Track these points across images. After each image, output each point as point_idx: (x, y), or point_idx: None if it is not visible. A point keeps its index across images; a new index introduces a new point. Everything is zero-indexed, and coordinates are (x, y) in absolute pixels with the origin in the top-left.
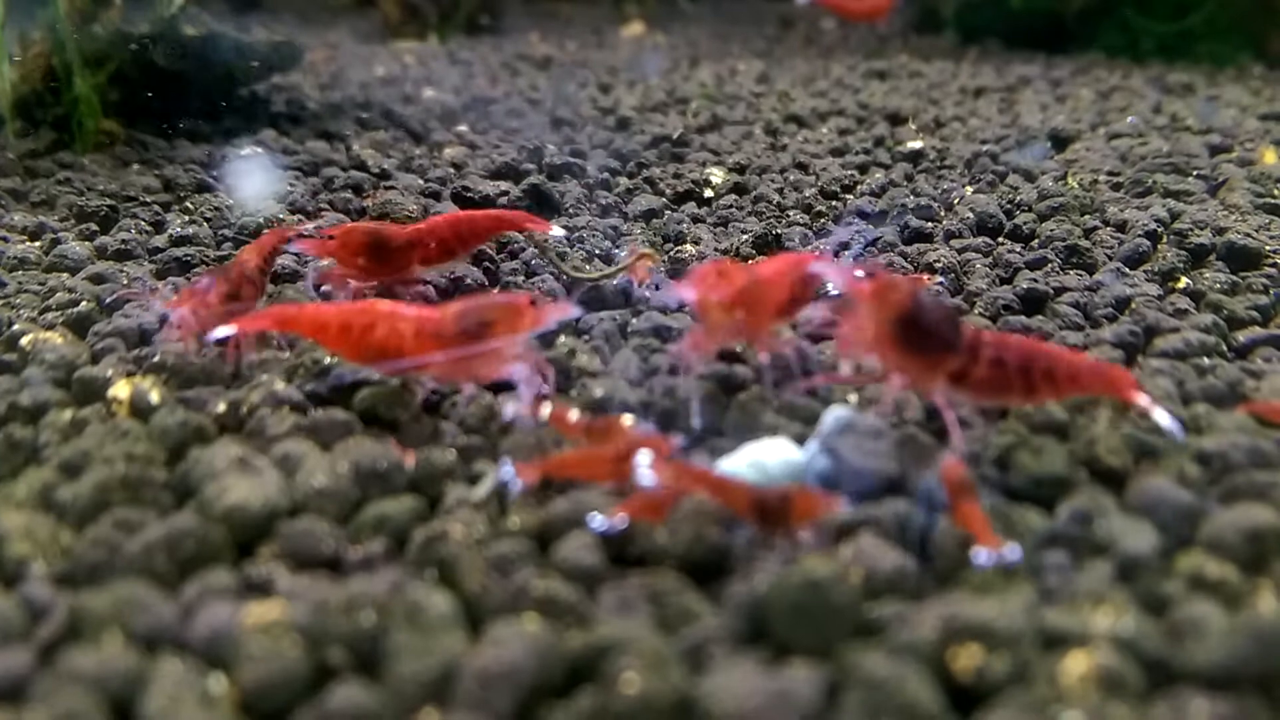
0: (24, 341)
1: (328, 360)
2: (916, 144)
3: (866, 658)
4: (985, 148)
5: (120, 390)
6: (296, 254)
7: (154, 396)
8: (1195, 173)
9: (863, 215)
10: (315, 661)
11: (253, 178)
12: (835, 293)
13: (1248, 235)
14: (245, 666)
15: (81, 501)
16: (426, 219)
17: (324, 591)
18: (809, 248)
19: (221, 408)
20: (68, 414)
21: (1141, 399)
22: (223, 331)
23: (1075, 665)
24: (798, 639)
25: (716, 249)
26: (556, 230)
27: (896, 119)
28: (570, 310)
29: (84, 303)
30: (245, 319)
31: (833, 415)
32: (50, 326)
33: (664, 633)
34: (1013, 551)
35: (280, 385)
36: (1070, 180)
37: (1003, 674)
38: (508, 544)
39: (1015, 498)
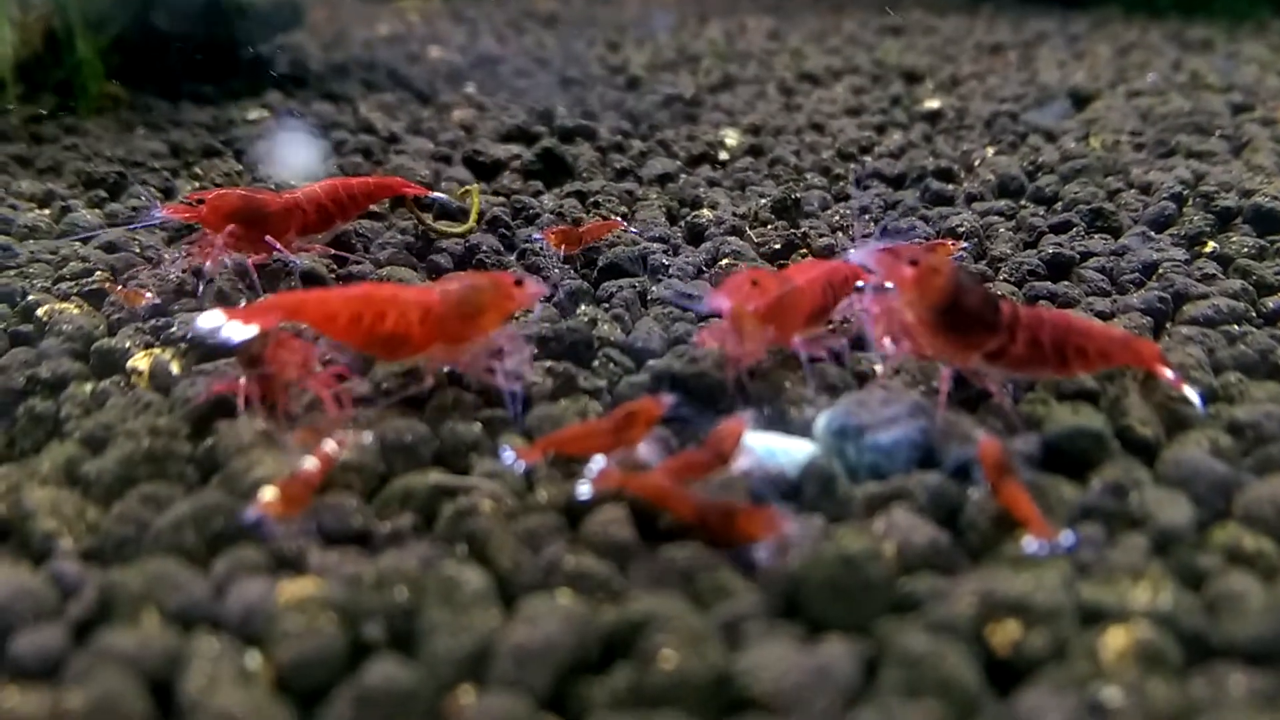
0: (40, 313)
1: None
2: (934, 104)
3: (905, 634)
4: (1004, 107)
5: (140, 362)
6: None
7: (174, 368)
8: (1218, 132)
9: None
10: (351, 637)
11: (260, 143)
12: (868, 286)
13: (1274, 198)
14: (281, 644)
15: (107, 476)
16: (303, 187)
17: (356, 566)
18: (827, 212)
19: (243, 381)
20: (88, 387)
21: (1168, 372)
22: (239, 331)
23: (1115, 641)
24: (833, 615)
25: (734, 213)
26: (436, 195)
27: (913, 77)
28: (543, 289)
29: (98, 273)
30: (249, 311)
31: (825, 417)
32: (65, 297)
33: (698, 608)
34: (1068, 539)
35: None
36: (1092, 141)
37: (1041, 649)
38: (536, 519)
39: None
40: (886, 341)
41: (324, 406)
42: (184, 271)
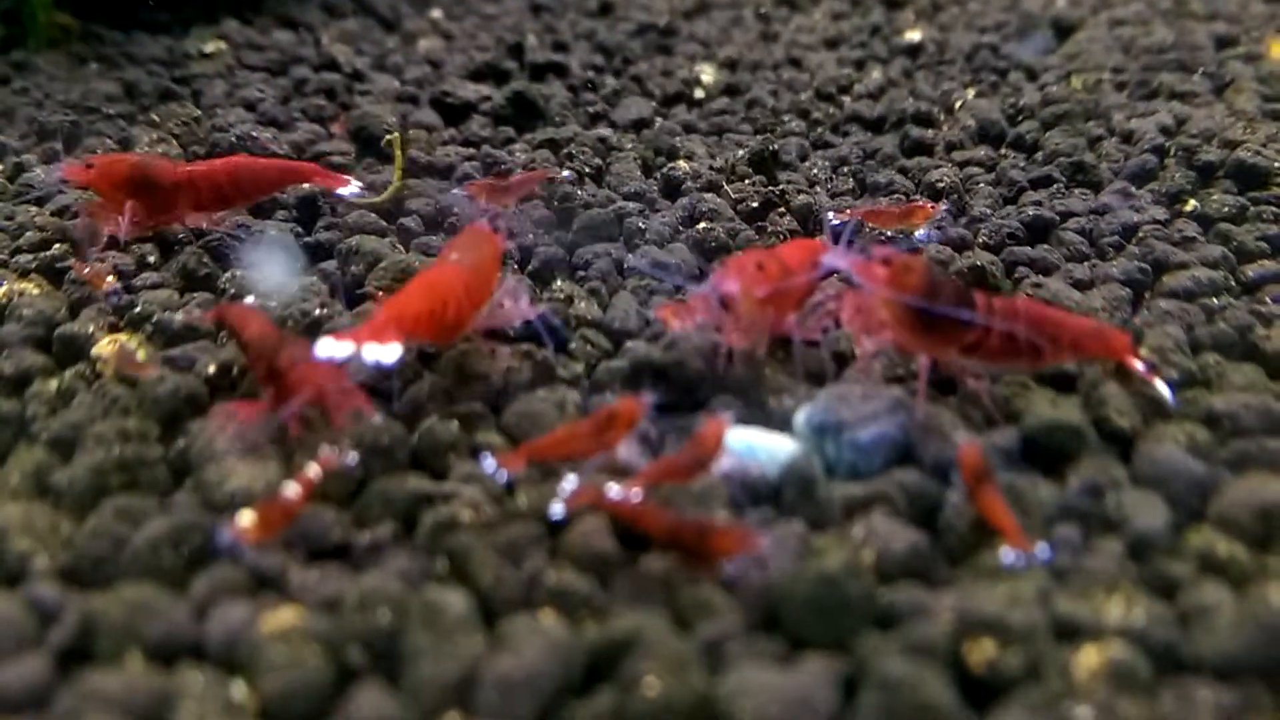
0: (0, 293)
1: (316, 312)
2: (915, 35)
3: (884, 657)
4: (985, 38)
5: (105, 349)
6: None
7: (140, 356)
8: (1201, 69)
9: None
10: (335, 665)
11: (218, 82)
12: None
13: (1257, 152)
14: (266, 676)
15: (78, 486)
16: (209, 160)
17: (337, 584)
18: (805, 163)
19: (212, 369)
20: (53, 383)
21: (1138, 364)
22: (385, 353)
23: (1088, 660)
24: (813, 632)
25: (711, 166)
26: (351, 188)
27: (893, 3)
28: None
29: (56, 245)
30: (374, 329)
31: (805, 412)
32: (25, 273)
33: (679, 628)
34: (1043, 552)
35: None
36: (1074, 80)
37: (1016, 668)
38: (517, 528)
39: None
40: (865, 339)
41: (331, 423)
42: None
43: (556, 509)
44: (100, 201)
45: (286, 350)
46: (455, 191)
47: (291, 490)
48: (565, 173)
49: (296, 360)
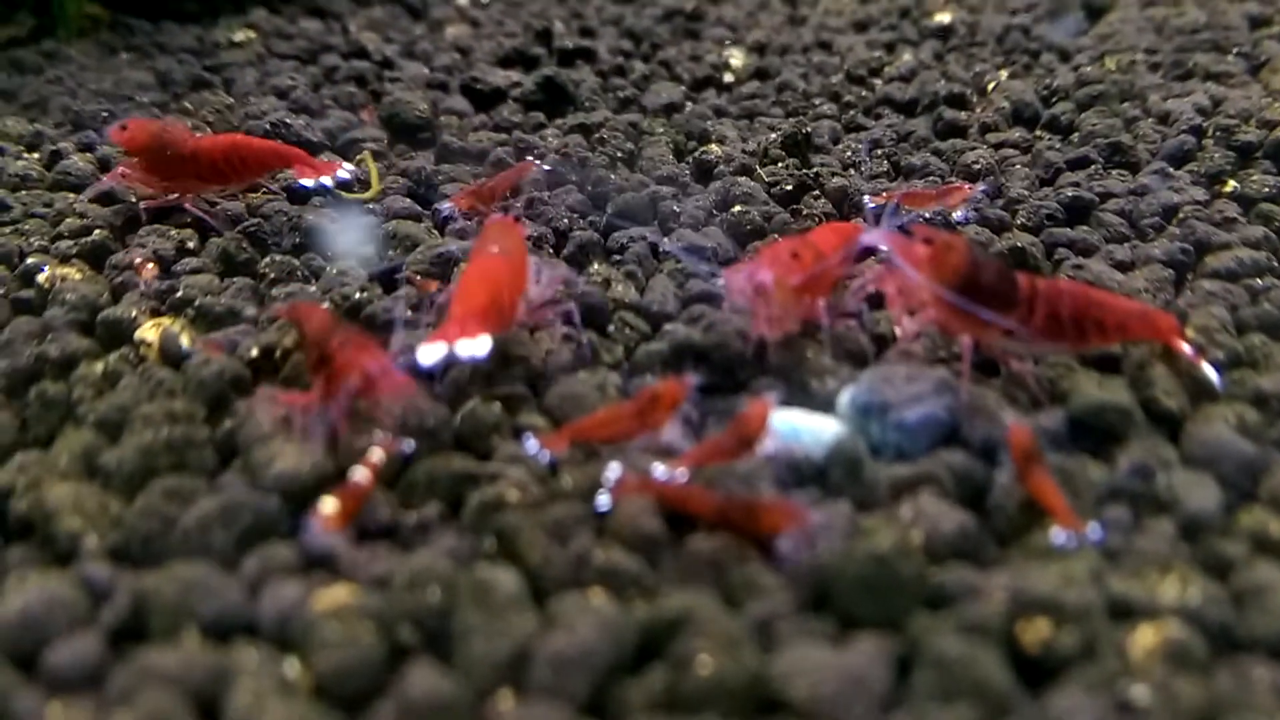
0: (42, 278)
1: (358, 295)
2: (945, 17)
3: (937, 636)
4: (1016, 20)
5: (148, 333)
6: None
7: (184, 340)
8: (1235, 49)
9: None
10: (388, 643)
11: (249, 70)
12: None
13: None
14: (320, 653)
15: (127, 467)
16: (214, 136)
17: (387, 564)
18: (839, 145)
19: (255, 352)
20: (99, 366)
21: (1186, 347)
22: (476, 347)
23: (1144, 639)
24: (864, 612)
25: (744, 150)
26: (331, 179)
27: None
28: None
29: (97, 230)
30: (460, 324)
31: (849, 393)
32: (66, 259)
33: (729, 607)
34: (1094, 532)
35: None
36: (1107, 61)
37: (1071, 648)
38: (563, 508)
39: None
40: (906, 320)
41: (379, 414)
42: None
43: (603, 501)
44: (132, 163)
45: (336, 337)
46: (443, 205)
47: (361, 475)
48: (544, 165)
49: (344, 346)
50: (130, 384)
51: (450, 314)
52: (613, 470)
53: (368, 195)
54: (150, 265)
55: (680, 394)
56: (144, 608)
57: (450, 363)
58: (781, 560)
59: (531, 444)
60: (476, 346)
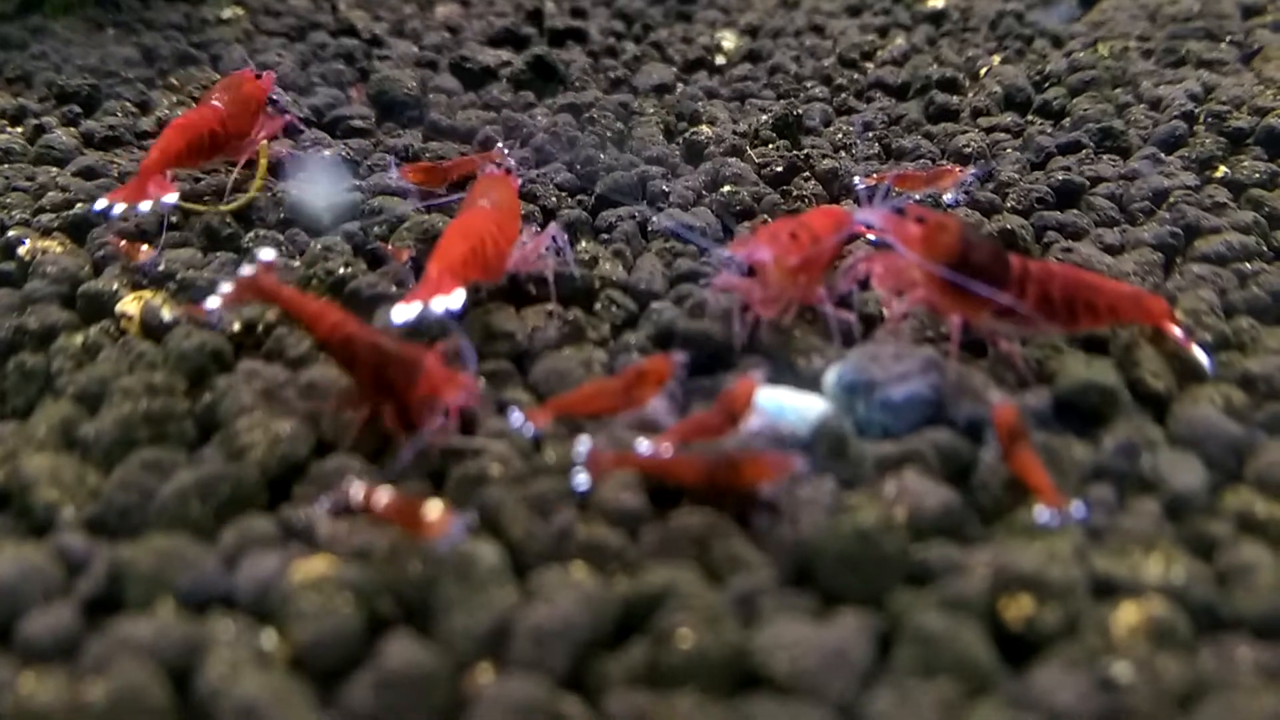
0: (23, 251)
1: (341, 271)
2: (938, 3)
3: (920, 612)
4: (1010, 6)
5: (129, 306)
6: None
7: (165, 313)
8: (1228, 38)
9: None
10: (367, 615)
11: (237, 47)
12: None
13: None
14: (297, 624)
15: (105, 439)
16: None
17: (365, 536)
18: (830, 128)
19: (237, 326)
20: (78, 338)
21: (1176, 330)
22: (451, 301)
23: (1126, 616)
24: (847, 588)
25: (734, 131)
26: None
27: None
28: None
29: (79, 204)
30: (437, 282)
31: (835, 371)
32: (47, 232)
33: (712, 581)
34: (1078, 510)
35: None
36: (1100, 47)
37: (1054, 624)
38: (545, 482)
39: (1061, 411)
40: (894, 300)
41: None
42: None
43: (580, 479)
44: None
45: (399, 361)
46: (391, 173)
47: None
48: (505, 162)
49: (412, 369)
50: (110, 356)
51: (425, 273)
52: (582, 446)
53: (237, 204)
54: (144, 247)
55: (667, 371)
56: (120, 578)
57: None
58: (764, 516)
59: (516, 417)
60: (451, 301)
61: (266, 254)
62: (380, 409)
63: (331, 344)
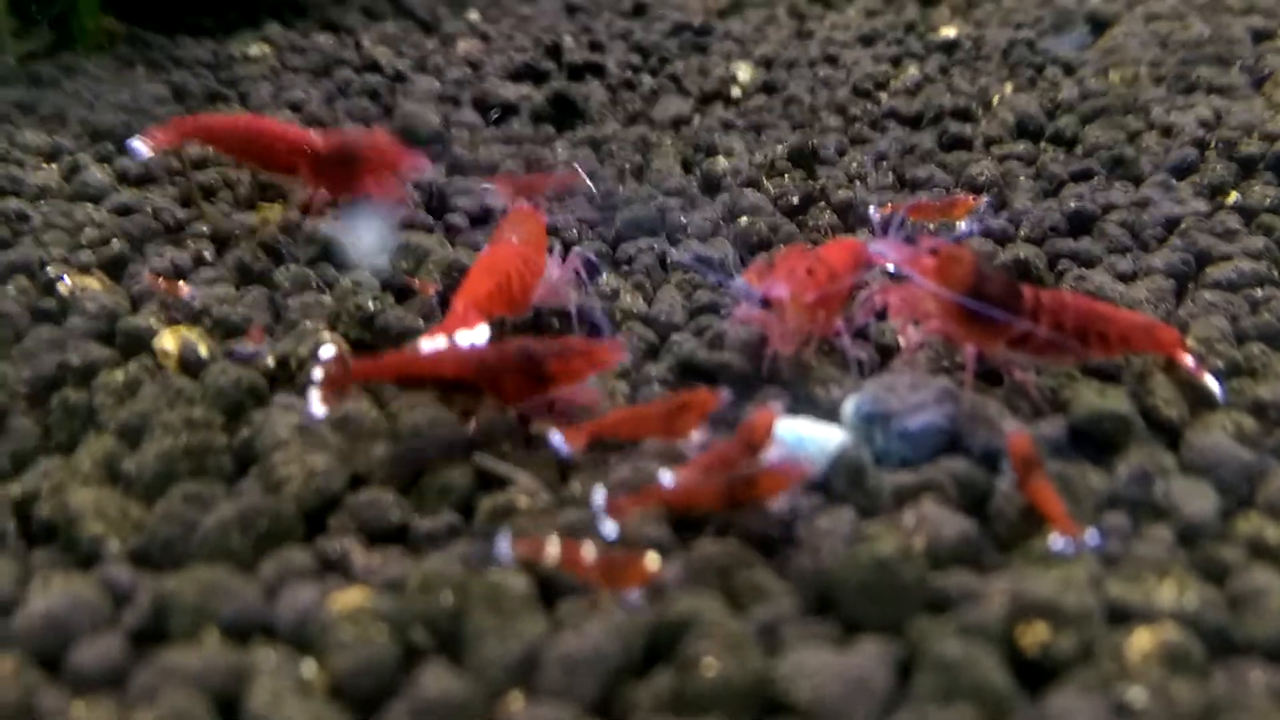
0: (62, 288)
1: (371, 306)
2: (950, 32)
3: (939, 639)
4: (1021, 34)
5: (167, 343)
6: None
7: (202, 350)
8: (1239, 63)
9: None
10: (401, 644)
11: (264, 84)
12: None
13: None
14: (336, 654)
15: (147, 473)
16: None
17: (399, 568)
18: (845, 158)
19: (271, 362)
20: (119, 374)
21: (1188, 359)
22: (435, 345)
23: (1140, 642)
24: (867, 616)
25: (751, 162)
26: None
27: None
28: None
29: (115, 240)
30: (462, 318)
31: (853, 402)
32: (86, 269)
33: (735, 610)
34: (1093, 538)
35: (326, 334)
36: (1112, 75)
37: (1069, 651)
38: (572, 513)
39: (1076, 439)
40: (910, 330)
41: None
42: None
43: (609, 529)
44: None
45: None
46: (486, 185)
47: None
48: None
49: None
50: (150, 392)
51: (451, 308)
52: (598, 496)
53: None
54: (183, 285)
55: (712, 404)
56: (165, 609)
57: None
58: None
59: (556, 438)
60: (475, 335)
61: (327, 350)
62: (534, 405)
63: (465, 375)
